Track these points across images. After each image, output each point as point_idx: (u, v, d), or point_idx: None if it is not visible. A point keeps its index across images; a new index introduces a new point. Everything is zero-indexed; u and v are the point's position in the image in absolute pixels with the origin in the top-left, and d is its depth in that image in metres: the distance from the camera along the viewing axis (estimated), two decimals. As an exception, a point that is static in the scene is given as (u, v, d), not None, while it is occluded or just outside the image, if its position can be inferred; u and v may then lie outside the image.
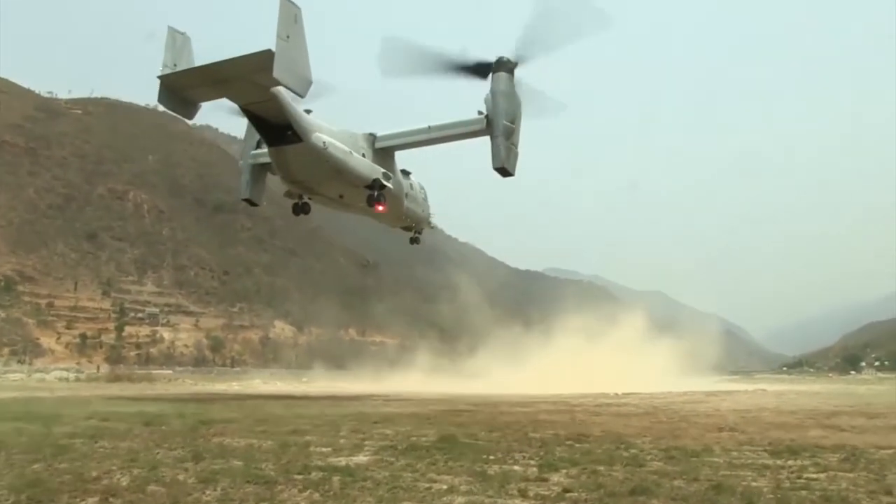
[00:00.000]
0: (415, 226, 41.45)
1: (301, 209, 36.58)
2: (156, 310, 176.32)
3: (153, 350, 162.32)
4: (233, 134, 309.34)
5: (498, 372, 65.20)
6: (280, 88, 26.87)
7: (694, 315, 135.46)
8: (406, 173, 37.66)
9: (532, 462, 12.38)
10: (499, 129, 30.35)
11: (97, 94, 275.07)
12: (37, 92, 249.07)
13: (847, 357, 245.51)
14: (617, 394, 39.76)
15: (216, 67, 26.25)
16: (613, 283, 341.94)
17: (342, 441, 15.41)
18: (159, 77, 27.08)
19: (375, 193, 33.23)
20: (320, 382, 73.42)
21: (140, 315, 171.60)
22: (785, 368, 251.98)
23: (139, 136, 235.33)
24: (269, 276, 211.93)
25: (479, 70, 30.74)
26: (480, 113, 31.34)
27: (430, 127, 33.68)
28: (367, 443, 15.05)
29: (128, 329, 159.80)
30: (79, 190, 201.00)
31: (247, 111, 29.73)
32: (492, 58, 30.78)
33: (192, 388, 54.11)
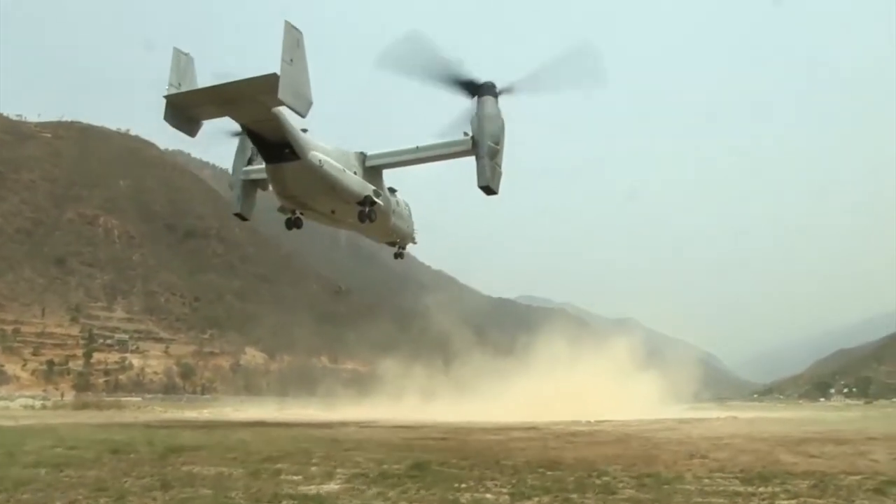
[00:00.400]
0: (399, 241, 42.68)
1: (294, 223, 37.52)
2: (125, 336, 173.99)
3: (122, 377, 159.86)
4: (205, 159, 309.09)
5: (473, 399, 64.92)
6: (281, 108, 27.66)
7: (668, 343, 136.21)
8: (392, 191, 38.64)
9: (504, 490, 12.36)
10: (484, 150, 31.46)
11: (68, 118, 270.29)
12: (5, 114, 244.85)
13: (817, 384, 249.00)
14: (590, 421, 39.92)
15: (223, 88, 27.03)
16: (585, 311, 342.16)
17: (313, 469, 15.28)
18: (165, 97, 27.56)
19: (366, 209, 34.13)
20: (292, 409, 72.66)
21: (109, 341, 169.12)
22: (756, 396, 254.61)
23: (110, 160, 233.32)
24: (240, 303, 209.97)
25: (468, 87, 31.62)
26: (466, 134, 32.27)
27: (417, 147, 34.81)
28: (338, 470, 14.93)
29: (96, 356, 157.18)
30: (47, 214, 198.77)
31: (248, 129, 30.58)
32: (482, 78, 31.74)
33: (161, 415, 53.28)
